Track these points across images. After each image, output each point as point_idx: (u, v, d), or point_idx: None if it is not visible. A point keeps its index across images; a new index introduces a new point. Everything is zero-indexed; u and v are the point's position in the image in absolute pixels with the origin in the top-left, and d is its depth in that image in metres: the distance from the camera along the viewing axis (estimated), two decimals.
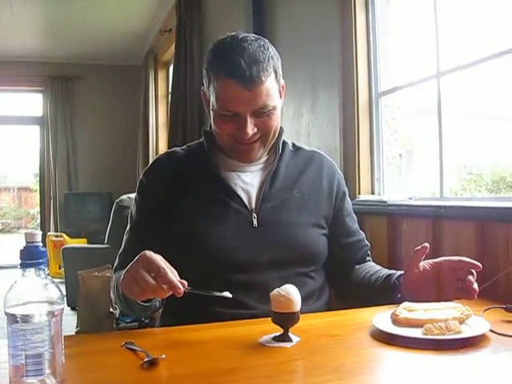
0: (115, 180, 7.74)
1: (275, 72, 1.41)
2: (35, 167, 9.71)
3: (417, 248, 1.36)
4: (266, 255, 1.43)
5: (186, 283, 1.17)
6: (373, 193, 2.52)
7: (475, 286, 1.27)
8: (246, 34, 1.43)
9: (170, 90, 6.29)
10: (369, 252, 1.67)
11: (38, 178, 9.43)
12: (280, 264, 1.43)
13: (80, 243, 6.62)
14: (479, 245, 1.45)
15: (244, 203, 1.48)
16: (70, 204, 7.95)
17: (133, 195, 4.55)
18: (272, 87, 1.39)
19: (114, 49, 7.48)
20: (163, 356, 0.99)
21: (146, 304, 1.30)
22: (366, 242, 1.66)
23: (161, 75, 7.31)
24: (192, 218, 1.46)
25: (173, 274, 1.16)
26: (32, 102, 8.73)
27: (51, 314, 0.82)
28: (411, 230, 2.00)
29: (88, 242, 6.75)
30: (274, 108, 1.41)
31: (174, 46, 5.55)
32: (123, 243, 1.57)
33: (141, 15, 6.43)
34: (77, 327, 4.12)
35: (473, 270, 1.28)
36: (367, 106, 2.53)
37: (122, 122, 8.06)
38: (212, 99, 1.43)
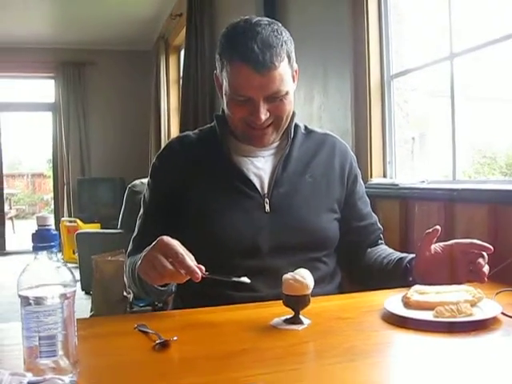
0: (127, 165, 7.77)
1: (288, 57, 1.40)
2: (48, 153, 9.78)
3: (428, 231, 1.35)
4: (277, 240, 1.43)
5: (203, 268, 1.17)
6: (385, 176, 2.50)
7: (485, 268, 1.26)
8: (259, 18, 1.41)
9: (181, 74, 6.29)
10: (381, 235, 1.66)
11: (51, 164, 9.49)
12: (292, 249, 1.43)
13: (93, 228, 6.67)
14: (492, 228, 1.44)
15: (256, 188, 1.48)
16: (83, 189, 7.99)
17: (145, 180, 4.57)
18: (285, 72, 1.38)
19: (125, 34, 7.46)
20: (175, 338, 1.00)
21: (163, 288, 1.30)
22: (379, 226, 1.65)
23: (172, 60, 7.29)
24: (204, 202, 1.46)
25: (190, 259, 1.16)
26: (44, 89, 8.77)
27: (64, 296, 0.83)
28: (423, 213, 1.99)
29: (101, 227, 6.80)
30: (287, 93, 1.40)
31: (184, 30, 5.53)
32: (137, 227, 1.57)
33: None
34: (91, 311, 4.16)
35: (484, 253, 1.27)
36: (379, 88, 2.52)
37: (134, 106, 8.07)
38: (225, 84, 1.42)
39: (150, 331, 1.06)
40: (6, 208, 10.37)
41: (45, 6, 6.35)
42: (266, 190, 1.48)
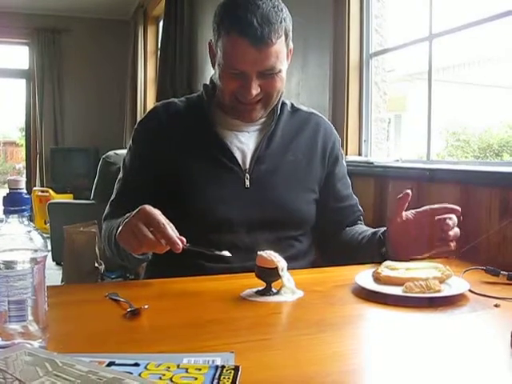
0: (102, 136, 7.68)
1: (286, 35, 1.39)
2: (21, 121, 9.59)
3: (399, 196, 1.35)
4: (254, 216, 1.43)
5: (184, 240, 1.17)
6: (360, 154, 2.52)
7: (453, 231, 1.27)
8: None
9: (159, 45, 6.20)
10: (361, 217, 1.65)
11: (23, 133, 9.32)
12: (268, 226, 1.43)
13: (66, 199, 6.60)
14: (463, 207, 1.45)
15: (238, 163, 1.47)
16: (56, 159, 7.88)
17: (120, 151, 4.54)
18: (281, 50, 1.37)
19: (102, 2, 7.30)
20: (146, 306, 1.00)
21: (141, 257, 1.30)
22: (359, 208, 1.65)
23: (150, 30, 7.18)
24: (184, 172, 1.45)
25: (172, 230, 1.15)
26: (18, 55, 8.57)
27: (34, 260, 0.82)
28: (397, 191, 2.00)
29: (74, 198, 6.73)
30: (280, 71, 1.39)
31: (164, 0, 5.45)
32: (115, 191, 1.55)
33: None
34: (62, 282, 4.14)
35: (452, 216, 1.28)
36: (358, 66, 2.52)
37: (110, 76, 7.94)
38: (219, 54, 1.40)
39: (121, 299, 1.06)
40: None
41: None
42: (247, 166, 1.48)
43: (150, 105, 6.80)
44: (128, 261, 1.36)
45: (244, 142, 1.50)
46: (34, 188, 7.43)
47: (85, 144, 7.91)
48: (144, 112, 6.96)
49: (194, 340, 0.89)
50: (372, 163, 2.21)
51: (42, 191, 7.12)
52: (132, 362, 0.73)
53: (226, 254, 1.25)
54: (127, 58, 7.50)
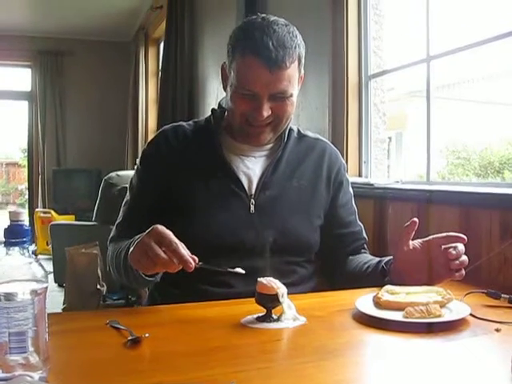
0: (104, 156, 7.71)
1: (299, 60, 1.41)
2: (23, 142, 9.64)
3: (406, 224, 1.35)
4: (258, 242, 1.43)
5: (196, 259, 1.17)
6: (360, 175, 2.53)
7: (462, 259, 1.26)
8: (276, 18, 1.42)
9: (160, 67, 6.25)
10: (365, 246, 1.64)
11: (26, 154, 9.37)
12: (272, 252, 1.42)
13: (68, 220, 6.60)
14: (463, 230, 1.46)
15: (244, 188, 1.48)
16: (58, 180, 7.90)
17: (122, 173, 4.54)
18: (293, 74, 1.39)
19: (104, 24, 7.39)
20: (146, 335, 1.00)
21: (150, 278, 1.29)
22: (363, 236, 1.64)
23: (151, 52, 7.24)
24: (190, 196, 1.46)
25: (184, 249, 1.15)
26: (20, 77, 8.63)
27: (35, 292, 0.82)
28: (397, 213, 2.02)
29: (76, 219, 6.73)
30: (292, 95, 1.41)
31: (164, 22, 5.50)
32: (121, 213, 1.55)
33: None
34: (64, 304, 4.13)
35: (458, 245, 1.27)
36: (357, 88, 2.53)
37: (112, 98, 8.00)
38: (232, 75, 1.41)
39: (122, 327, 1.06)
40: None
41: None
42: (253, 191, 1.49)
43: (152, 125, 6.83)
44: (137, 282, 1.35)
45: (250, 168, 1.51)
46: (36, 209, 7.44)
47: (87, 165, 7.94)
48: (146, 133, 6.99)
49: (196, 369, 0.89)
50: (372, 184, 2.22)
51: (44, 212, 7.13)
52: None
53: (240, 271, 1.25)
54: (129, 79, 7.55)
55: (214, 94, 4.53)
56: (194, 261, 1.16)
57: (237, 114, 1.43)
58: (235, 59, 1.40)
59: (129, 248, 1.26)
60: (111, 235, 1.55)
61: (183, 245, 1.17)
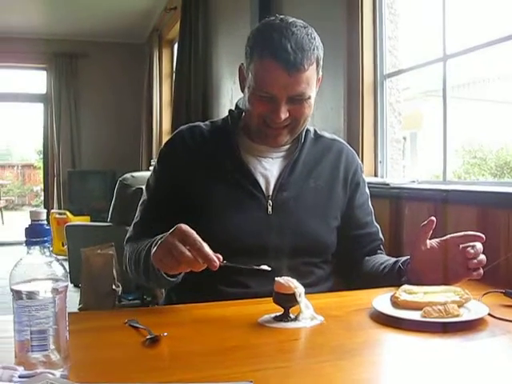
0: (119, 158, 7.76)
1: (317, 62, 1.40)
2: (39, 144, 9.74)
3: (423, 223, 1.34)
4: (276, 243, 1.43)
5: (221, 257, 1.16)
6: (376, 175, 2.52)
7: (480, 258, 1.25)
8: (294, 19, 1.41)
9: (174, 68, 6.27)
10: (381, 246, 1.64)
11: (41, 156, 9.45)
12: (289, 253, 1.41)
13: (83, 221, 6.65)
14: (480, 229, 1.45)
15: (261, 189, 1.48)
16: (73, 181, 7.96)
17: (136, 174, 4.57)
18: (312, 76, 1.39)
19: (118, 26, 7.43)
20: (165, 334, 1.00)
21: (173, 279, 1.28)
22: (379, 237, 1.63)
23: (165, 53, 7.28)
24: (207, 196, 1.47)
25: (208, 248, 1.15)
26: (36, 79, 8.72)
27: (56, 290, 0.83)
28: (413, 213, 2.01)
29: (91, 220, 6.78)
30: (310, 97, 1.40)
31: (178, 24, 5.52)
32: (139, 213, 1.55)
33: None
34: (79, 304, 4.16)
35: (476, 244, 1.26)
36: (372, 88, 2.53)
37: (126, 99, 8.04)
38: (250, 77, 1.41)
39: (141, 326, 1.07)
40: None
41: None
42: (270, 192, 1.49)
43: (166, 127, 6.86)
44: (158, 282, 1.35)
45: (268, 169, 1.51)
46: (52, 210, 7.50)
47: (101, 166, 8.00)
48: (160, 134, 7.02)
49: (214, 368, 0.89)
50: (388, 184, 2.21)
51: (60, 213, 7.18)
52: None
53: (266, 267, 1.25)
54: (143, 80, 7.59)
55: (229, 95, 4.54)
56: (219, 259, 1.16)
57: (254, 115, 1.43)
58: (253, 61, 1.40)
59: (150, 248, 1.26)
60: (128, 235, 1.55)
61: (206, 244, 1.17)
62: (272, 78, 1.36)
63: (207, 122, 1.60)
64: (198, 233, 1.32)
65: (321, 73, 1.46)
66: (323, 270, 1.53)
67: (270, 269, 1.24)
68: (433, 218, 1.33)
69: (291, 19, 1.41)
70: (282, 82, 1.35)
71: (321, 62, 1.43)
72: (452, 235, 1.32)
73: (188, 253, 1.14)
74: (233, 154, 1.50)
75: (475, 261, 1.25)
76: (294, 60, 1.33)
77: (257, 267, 1.26)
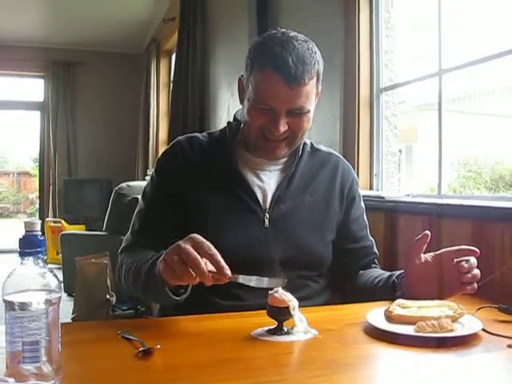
0: (115, 167, 7.76)
1: (317, 77, 1.41)
2: (35, 152, 9.71)
3: (418, 237, 1.34)
4: (272, 256, 1.43)
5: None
6: (371, 188, 2.52)
7: (474, 273, 1.25)
8: (296, 33, 1.42)
9: (171, 78, 6.29)
10: (376, 261, 1.63)
11: (37, 163, 9.43)
12: (285, 266, 1.40)
13: (78, 229, 6.63)
14: (475, 244, 1.45)
15: (258, 202, 1.48)
16: (69, 190, 7.95)
17: (132, 183, 4.55)
18: (311, 91, 1.39)
19: (116, 36, 7.46)
20: (158, 346, 1.00)
21: (178, 298, 1.23)
22: (374, 251, 1.63)
23: (163, 64, 7.29)
24: (204, 208, 1.46)
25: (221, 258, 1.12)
26: (33, 87, 8.72)
27: (49, 302, 0.83)
28: (408, 226, 2.01)
29: (86, 229, 6.76)
30: (309, 111, 1.41)
31: (176, 34, 5.54)
32: (135, 223, 1.54)
33: (145, 3, 6.41)
34: (73, 313, 4.14)
35: (470, 258, 1.27)
36: (368, 101, 2.54)
37: (123, 109, 8.06)
38: (250, 89, 1.41)
39: (134, 338, 1.06)
40: None
41: (36, 5, 6.33)
42: (267, 205, 1.49)
43: (163, 137, 6.87)
44: (158, 296, 1.29)
45: (265, 181, 1.51)
46: (47, 219, 7.48)
47: (98, 175, 7.99)
48: (156, 144, 7.02)
49: (207, 381, 0.89)
50: (383, 198, 2.21)
51: (55, 222, 7.17)
52: None
53: (279, 284, 1.19)
54: (140, 90, 7.60)
55: (226, 106, 4.55)
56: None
57: (253, 127, 1.43)
58: (253, 73, 1.40)
59: (155, 260, 1.22)
60: (124, 244, 1.54)
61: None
62: (272, 90, 1.36)
63: (205, 134, 1.60)
64: None
65: (320, 87, 1.46)
66: (318, 283, 1.53)
67: (283, 284, 1.18)
68: (427, 232, 1.33)
69: (292, 33, 1.41)
70: (282, 94, 1.35)
71: (321, 77, 1.43)
72: (446, 249, 1.32)
73: (200, 259, 1.10)
74: (230, 166, 1.50)
75: (469, 275, 1.26)
76: (295, 73, 1.33)
77: (269, 286, 1.19)
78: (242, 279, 1.19)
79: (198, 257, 1.10)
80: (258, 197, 1.49)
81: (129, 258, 1.43)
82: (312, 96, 1.40)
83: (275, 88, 1.35)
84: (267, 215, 1.47)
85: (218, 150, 1.53)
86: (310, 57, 1.37)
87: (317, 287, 1.52)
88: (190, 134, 1.60)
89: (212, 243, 1.38)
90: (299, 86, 1.35)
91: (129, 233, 1.55)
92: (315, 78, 1.40)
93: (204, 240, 1.14)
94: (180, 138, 1.59)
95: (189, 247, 1.12)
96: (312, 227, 1.51)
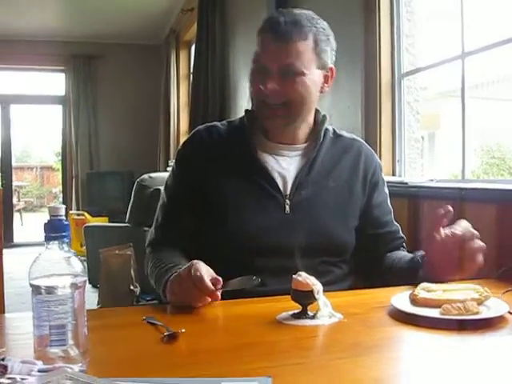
0: (136, 159, 7.80)
1: (315, 43, 1.42)
2: (57, 146, 9.83)
3: (438, 212, 1.33)
4: (293, 242, 1.41)
5: (220, 280, 1.19)
6: (394, 174, 2.50)
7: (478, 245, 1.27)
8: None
9: (191, 69, 6.29)
10: (404, 245, 1.62)
11: (60, 157, 9.54)
12: (307, 252, 1.39)
13: (101, 222, 6.69)
14: (500, 228, 1.44)
15: (279, 188, 1.48)
16: (91, 183, 8.02)
17: (154, 174, 4.59)
18: (304, 52, 1.40)
19: (135, 28, 7.48)
20: (183, 330, 1.00)
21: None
22: (400, 235, 1.61)
23: (182, 55, 7.30)
24: (224, 196, 1.46)
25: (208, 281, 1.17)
26: (54, 81, 8.80)
27: (74, 286, 0.84)
28: (432, 211, 1.99)
29: (109, 221, 6.81)
30: (302, 74, 1.41)
31: (196, 25, 5.54)
32: (160, 216, 1.56)
33: None
34: (98, 304, 4.19)
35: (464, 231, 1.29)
36: (390, 87, 2.52)
37: (144, 101, 8.08)
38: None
39: (159, 323, 1.07)
40: (15, 200, 10.45)
41: None
42: (288, 191, 1.48)
43: (184, 128, 6.88)
44: None
45: (285, 168, 1.51)
46: (70, 212, 7.56)
47: (119, 167, 8.04)
48: (177, 135, 7.04)
49: (232, 364, 0.89)
50: (406, 183, 2.20)
51: (78, 215, 7.24)
52: None
53: (256, 280, 1.24)
54: (160, 82, 7.62)
55: (246, 96, 4.53)
56: (219, 282, 1.19)
57: (254, 93, 1.46)
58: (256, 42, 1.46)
59: (169, 277, 1.29)
60: (151, 238, 1.56)
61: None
62: (263, 48, 1.42)
63: (224, 122, 1.61)
64: (215, 233, 1.34)
65: (328, 63, 1.48)
66: (341, 269, 1.52)
67: (259, 280, 1.23)
68: (449, 208, 1.32)
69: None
70: (271, 51, 1.40)
71: (322, 46, 1.44)
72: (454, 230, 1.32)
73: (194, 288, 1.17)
74: (250, 154, 1.50)
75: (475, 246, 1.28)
76: (285, 31, 1.38)
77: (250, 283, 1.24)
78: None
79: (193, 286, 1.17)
80: (279, 183, 1.48)
81: (154, 260, 1.46)
82: (305, 58, 1.41)
83: (265, 46, 1.41)
84: (288, 201, 1.47)
85: (236, 138, 1.53)
86: (306, 21, 1.41)
87: (340, 273, 1.51)
88: (210, 124, 1.61)
89: (232, 230, 1.41)
90: (287, 43, 1.38)
91: (153, 227, 1.57)
92: (311, 43, 1.41)
93: (198, 268, 1.19)
94: (199, 127, 1.60)
95: (187, 277, 1.19)
96: (335, 213, 1.50)
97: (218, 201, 1.47)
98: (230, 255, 1.38)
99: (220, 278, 1.19)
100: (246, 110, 1.58)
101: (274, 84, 1.40)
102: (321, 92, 1.50)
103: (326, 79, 1.49)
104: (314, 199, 1.49)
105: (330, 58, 1.47)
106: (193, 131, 1.60)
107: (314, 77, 1.44)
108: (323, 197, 1.50)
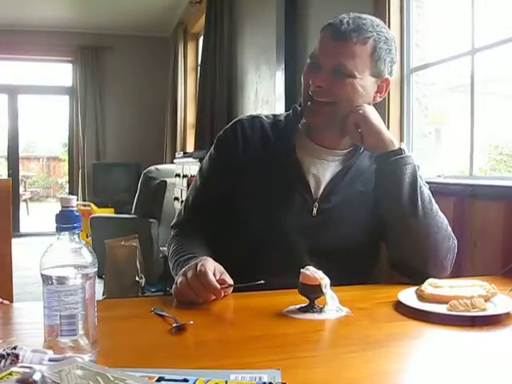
0: (143, 151, 7.82)
1: (373, 49, 1.38)
2: (64, 137, 9.84)
3: None
4: (315, 245, 1.43)
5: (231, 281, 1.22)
6: None
7: None
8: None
9: (199, 62, 6.29)
10: None
11: (66, 148, 9.56)
12: (327, 256, 1.39)
13: (107, 213, 6.71)
14: (507, 224, 1.43)
15: (310, 190, 1.47)
16: (97, 174, 8.04)
17: (160, 166, 4.61)
18: (361, 56, 1.37)
19: (144, 19, 7.47)
20: (191, 322, 1.01)
21: None
22: None
23: (190, 47, 7.29)
24: (253, 189, 1.47)
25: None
26: (62, 72, 8.81)
27: (85, 276, 0.85)
28: (440, 207, 1.99)
29: (115, 212, 6.84)
30: (353, 76, 1.38)
31: (204, 17, 5.53)
32: (189, 198, 1.57)
33: None
34: (103, 295, 4.21)
35: None
36: (398, 82, 2.50)
37: (151, 93, 8.09)
38: None
39: (167, 315, 1.08)
40: (21, 190, 10.48)
41: None
42: (318, 195, 1.47)
43: (191, 120, 6.88)
44: None
45: (320, 171, 1.49)
46: (76, 202, 7.57)
47: (126, 159, 8.06)
48: (184, 127, 7.04)
49: (240, 356, 0.90)
50: None
51: (84, 205, 7.25)
52: (181, 377, 0.74)
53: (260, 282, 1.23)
54: (167, 74, 7.62)
55: (254, 89, 4.53)
56: (225, 282, 1.20)
57: (304, 86, 1.45)
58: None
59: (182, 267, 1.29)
60: (178, 219, 1.58)
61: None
62: (321, 45, 1.41)
63: (270, 115, 1.59)
64: (239, 226, 1.41)
65: (385, 73, 1.44)
66: (358, 274, 1.49)
67: (263, 282, 1.22)
68: None
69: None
70: (327, 47, 1.39)
71: (381, 55, 1.40)
72: None
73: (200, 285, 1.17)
74: (288, 152, 1.48)
75: None
76: (344, 30, 1.36)
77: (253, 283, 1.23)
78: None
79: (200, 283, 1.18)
80: (311, 186, 1.47)
81: (177, 245, 1.47)
82: (360, 62, 1.38)
83: (324, 42, 1.41)
84: (316, 204, 1.46)
85: (279, 134, 1.52)
86: (369, 25, 1.39)
87: (356, 276, 1.49)
88: (254, 114, 1.60)
89: (257, 225, 1.42)
90: (345, 43, 1.37)
91: (182, 207, 1.59)
92: (368, 48, 1.38)
93: (206, 265, 1.20)
94: (242, 116, 1.59)
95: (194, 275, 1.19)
96: (360, 221, 1.48)
97: (247, 193, 1.47)
98: (246, 250, 1.40)
99: (227, 279, 1.21)
100: (294, 107, 1.57)
101: (324, 81, 1.38)
102: (373, 100, 1.47)
103: (379, 89, 1.46)
104: (342, 205, 1.47)
105: (387, 68, 1.43)
106: (235, 119, 1.58)
107: (365, 83, 1.41)
108: (350, 203, 1.48)
